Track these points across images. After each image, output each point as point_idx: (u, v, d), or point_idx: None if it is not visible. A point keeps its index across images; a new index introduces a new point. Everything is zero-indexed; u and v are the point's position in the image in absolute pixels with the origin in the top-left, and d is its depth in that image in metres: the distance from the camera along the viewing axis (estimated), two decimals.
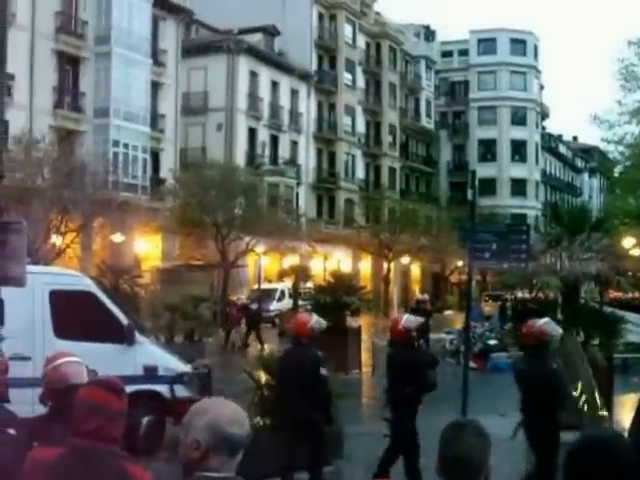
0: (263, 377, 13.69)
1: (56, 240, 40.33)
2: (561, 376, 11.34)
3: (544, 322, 11.31)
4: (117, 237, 46.61)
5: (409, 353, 11.59)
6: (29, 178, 39.55)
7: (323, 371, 11.64)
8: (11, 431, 5.56)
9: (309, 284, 47.90)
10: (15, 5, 45.79)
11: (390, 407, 11.75)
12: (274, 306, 53.89)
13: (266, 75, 69.48)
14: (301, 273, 54.62)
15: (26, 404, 7.62)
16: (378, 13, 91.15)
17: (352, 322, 29.48)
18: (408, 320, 12.01)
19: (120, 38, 51.88)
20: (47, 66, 49.16)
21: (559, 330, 11.60)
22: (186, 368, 15.16)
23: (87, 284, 14.71)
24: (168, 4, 58.20)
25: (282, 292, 55.86)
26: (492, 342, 30.73)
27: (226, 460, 3.83)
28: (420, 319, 13.47)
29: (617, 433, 4.18)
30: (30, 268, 12.59)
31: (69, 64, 51.34)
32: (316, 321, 12.25)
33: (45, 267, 18.81)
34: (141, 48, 53.53)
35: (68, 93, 51.48)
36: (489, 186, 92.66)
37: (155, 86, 56.25)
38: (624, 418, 15.86)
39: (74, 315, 13.90)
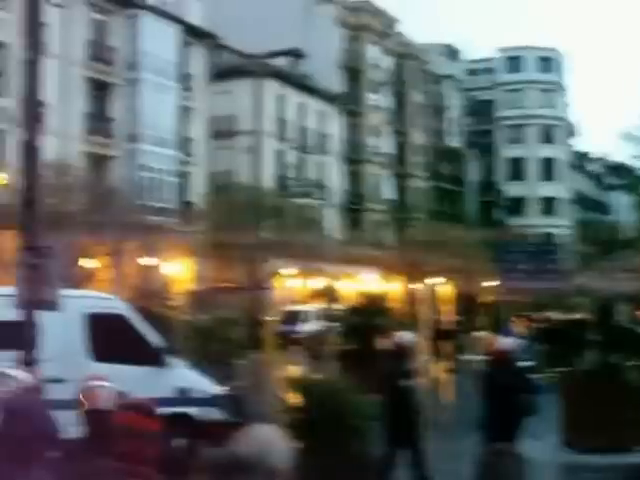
0: (293, 399, 13.56)
1: (87, 263, 40.58)
2: None
3: None
4: (148, 260, 46.84)
5: (504, 376, 11.19)
6: (61, 203, 39.85)
7: (403, 382, 12.44)
8: None
9: (338, 306, 47.80)
10: (47, 34, 46.27)
11: (484, 431, 11.08)
12: (302, 328, 53.88)
13: (293, 98, 69.65)
14: (330, 295, 54.53)
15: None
16: (401, 33, 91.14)
17: (382, 344, 29.28)
18: (501, 342, 11.92)
19: (149, 64, 52.43)
20: (78, 93, 49.61)
21: None
22: (219, 390, 15.15)
23: (121, 307, 14.83)
24: (195, 29, 58.70)
25: (311, 314, 55.71)
26: (527, 363, 30.41)
27: None
28: (514, 340, 13.66)
29: None
30: (66, 292, 12.73)
31: (99, 90, 51.87)
32: (400, 336, 13.38)
33: (81, 290, 18.91)
34: (169, 73, 54.04)
35: (99, 119, 51.94)
36: (518, 205, 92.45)
37: (183, 111, 56.61)
38: None
39: (109, 338, 13.98)
